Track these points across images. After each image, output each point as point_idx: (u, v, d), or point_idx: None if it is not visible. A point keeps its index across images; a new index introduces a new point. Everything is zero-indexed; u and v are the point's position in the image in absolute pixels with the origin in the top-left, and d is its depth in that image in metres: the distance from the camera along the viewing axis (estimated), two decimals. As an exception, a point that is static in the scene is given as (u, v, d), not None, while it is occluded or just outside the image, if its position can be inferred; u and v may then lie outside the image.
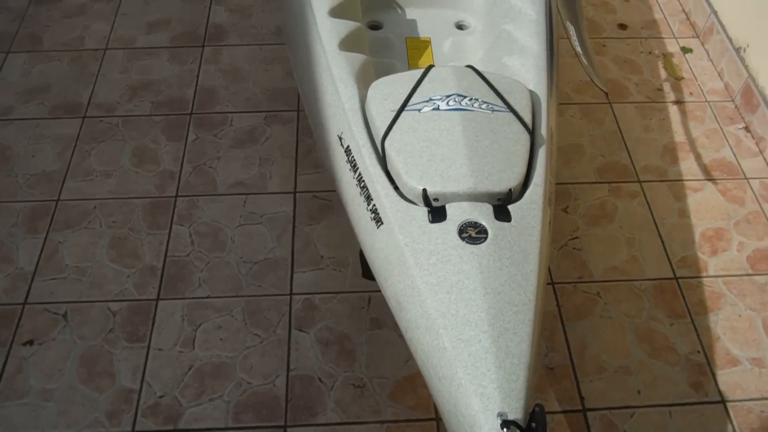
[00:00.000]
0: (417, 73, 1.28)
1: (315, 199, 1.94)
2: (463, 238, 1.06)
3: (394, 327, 1.69)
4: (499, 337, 0.96)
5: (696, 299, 1.77)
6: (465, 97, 1.23)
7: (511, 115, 1.23)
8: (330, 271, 1.79)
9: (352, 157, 1.24)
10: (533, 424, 0.91)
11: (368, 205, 1.17)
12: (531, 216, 1.12)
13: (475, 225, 1.08)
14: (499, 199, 1.13)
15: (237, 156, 2.04)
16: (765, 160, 2.07)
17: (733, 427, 1.57)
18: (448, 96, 1.23)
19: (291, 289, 1.76)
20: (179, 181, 1.97)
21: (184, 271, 1.79)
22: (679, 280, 1.81)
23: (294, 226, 1.88)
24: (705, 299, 1.78)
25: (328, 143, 1.35)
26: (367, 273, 1.51)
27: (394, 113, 1.21)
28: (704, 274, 1.82)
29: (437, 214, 1.10)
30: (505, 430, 0.88)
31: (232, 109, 2.16)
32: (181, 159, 2.02)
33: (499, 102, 1.24)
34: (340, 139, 1.28)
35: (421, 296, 1.02)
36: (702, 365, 1.66)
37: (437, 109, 1.21)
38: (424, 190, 1.11)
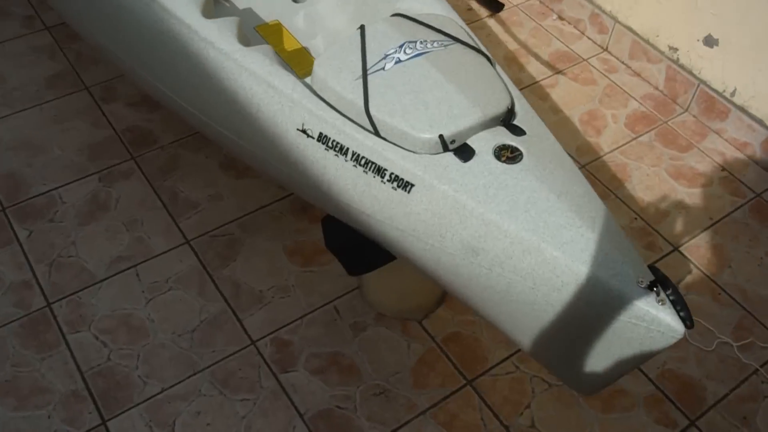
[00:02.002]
0: (355, 37, 1.40)
1: (214, 238, 1.94)
2: (504, 162, 1.24)
3: (377, 322, 1.81)
4: (594, 225, 1.16)
5: (608, 176, 2.16)
6: (415, 41, 1.40)
7: (461, 46, 1.41)
8: (278, 301, 1.83)
9: (333, 141, 1.32)
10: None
11: (383, 177, 1.28)
12: (535, 123, 1.32)
13: (505, 147, 1.25)
14: (502, 120, 1.33)
15: (95, 232, 1.93)
16: (589, 38, 2.54)
17: (692, 264, 1.98)
18: (400, 47, 1.39)
19: (250, 338, 1.77)
20: (40, 287, 1.83)
21: (116, 378, 1.68)
22: (587, 167, 2.17)
23: (210, 275, 1.88)
24: (615, 173, 2.17)
25: (283, 146, 1.40)
26: (356, 269, 1.62)
27: (362, 81, 1.34)
28: (601, 153, 2.21)
29: (463, 152, 1.25)
30: (654, 289, 1.10)
31: (53, 185, 2.02)
32: (26, 263, 1.87)
33: (445, 37, 1.43)
34: (305, 131, 1.37)
35: (502, 227, 1.17)
36: (644, 227, 2.04)
37: (399, 61, 1.36)
38: (441, 136, 1.27)
